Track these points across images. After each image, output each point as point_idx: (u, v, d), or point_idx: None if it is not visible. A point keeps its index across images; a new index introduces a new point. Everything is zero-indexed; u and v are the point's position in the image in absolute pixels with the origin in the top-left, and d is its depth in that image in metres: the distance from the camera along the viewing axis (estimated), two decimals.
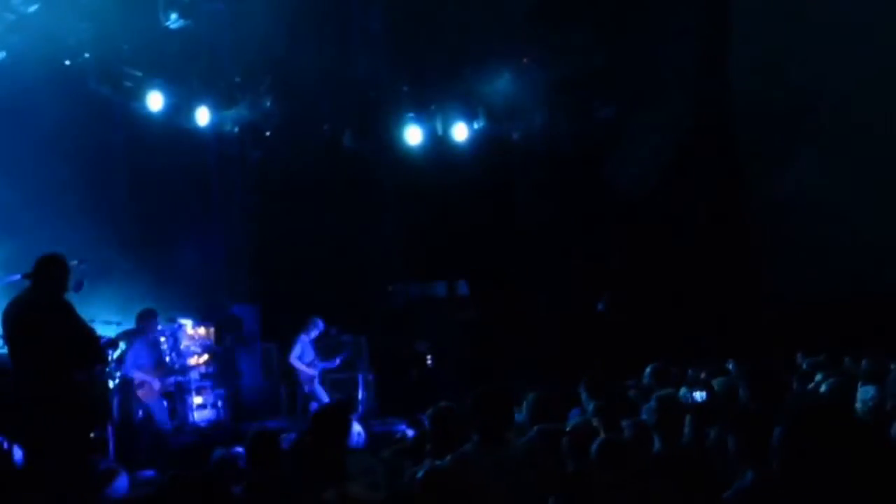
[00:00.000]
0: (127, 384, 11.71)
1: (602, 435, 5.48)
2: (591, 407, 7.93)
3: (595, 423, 5.79)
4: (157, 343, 12.50)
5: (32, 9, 11.74)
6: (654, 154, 16.56)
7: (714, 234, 16.98)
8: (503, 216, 18.19)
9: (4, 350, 8.54)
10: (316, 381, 13.97)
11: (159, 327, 12.60)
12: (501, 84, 16.62)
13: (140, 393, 11.78)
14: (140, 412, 11.74)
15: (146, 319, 12.09)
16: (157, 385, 12.00)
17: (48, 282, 7.80)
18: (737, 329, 15.33)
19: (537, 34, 16.14)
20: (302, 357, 13.96)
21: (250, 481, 6.27)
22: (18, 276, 8.24)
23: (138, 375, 11.81)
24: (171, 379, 12.74)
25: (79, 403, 7.74)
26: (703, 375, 9.19)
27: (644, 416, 6.21)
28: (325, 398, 13.66)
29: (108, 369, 11.37)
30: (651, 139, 16.57)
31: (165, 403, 12.34)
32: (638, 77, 16.95)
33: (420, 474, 5.02)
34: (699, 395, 6.05)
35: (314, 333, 14.06)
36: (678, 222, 16.78)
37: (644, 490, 4.96)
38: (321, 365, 14.13)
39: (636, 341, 15.03)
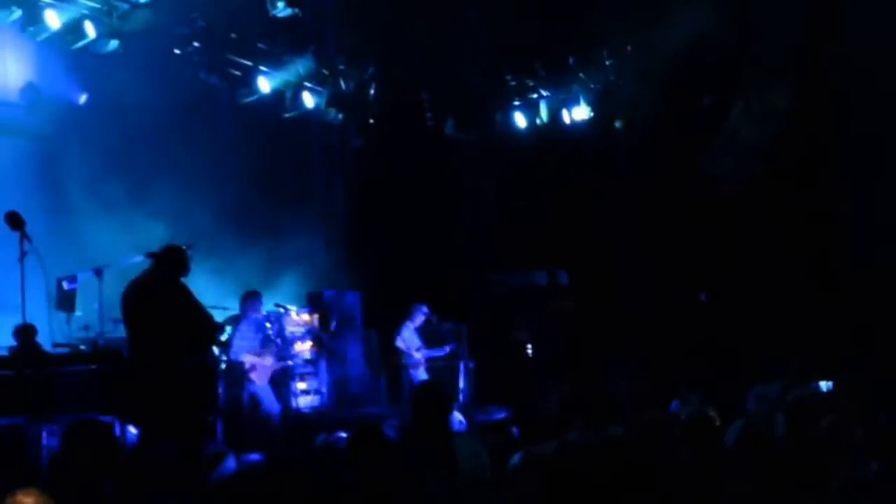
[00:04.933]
0: (235, 369, 11.82)
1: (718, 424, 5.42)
2: (693, 398, 7.86)
3: (711, 413, 5.72)
4: (262, 325, 12.41)
5: None
6: (757, 142, 16.24)
7: (819, 227, 16.55)
8: (604, 205, 18.02)
9: (122, 332, 8.75)
10: (422, 369, 13.99)
11: (263, 310, 12.60)
12: (605, 72, 16.48)
13: (253, 376, 11.88)
14: (246, 397, 11.86)
15: (248, 301, 12.19)
16: (268, 365, 12.07)
17: (169, 266, 7.97)
18: (838, 324, 14.93)
19: (641, 21, 15.95)
20: (409, 344, 14.02)
21: (359, 474, 6.29)
22: (141, 258, 8.43)
23: (248, 359, 11.94)
24: (279, 361, 12.67)
25: (192, 386, 7.90)
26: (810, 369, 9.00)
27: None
28: None
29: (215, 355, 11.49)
30: (754, 127, 16.25)
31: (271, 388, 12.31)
32: (742, 64, 16.62)
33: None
34: (825, 385, 5.93)
35: (419, 320, 14.07)
36: (783, 213, 16.41)
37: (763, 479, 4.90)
38: (428, 353, 14.15)
39: (738, 334, 14.81)
